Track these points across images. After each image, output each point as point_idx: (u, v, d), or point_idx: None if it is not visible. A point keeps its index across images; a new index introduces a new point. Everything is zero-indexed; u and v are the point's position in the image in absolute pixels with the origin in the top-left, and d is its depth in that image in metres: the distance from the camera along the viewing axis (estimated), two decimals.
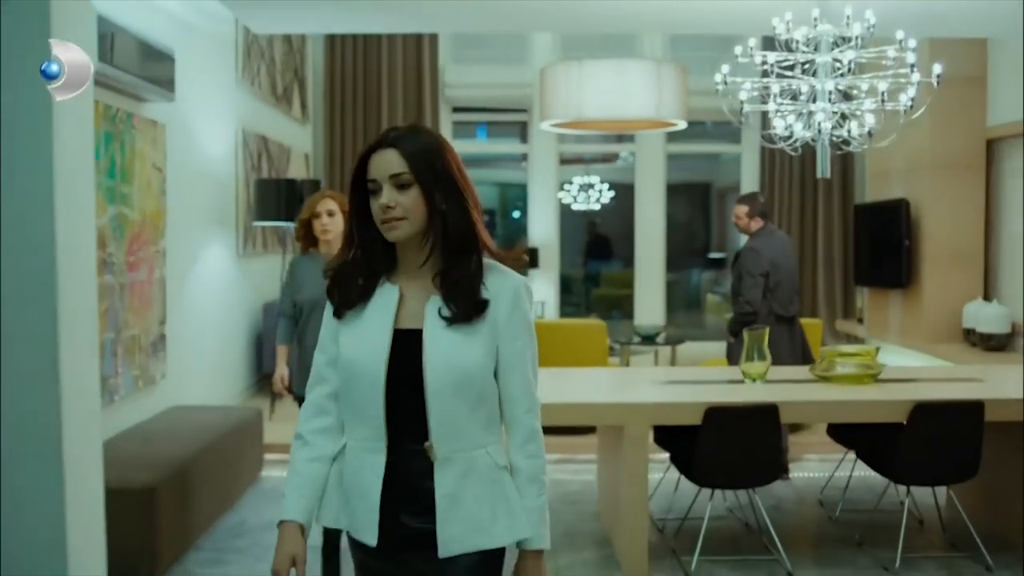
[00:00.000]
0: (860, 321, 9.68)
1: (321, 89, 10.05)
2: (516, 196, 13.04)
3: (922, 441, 4.19)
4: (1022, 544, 4.42)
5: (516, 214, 13.25)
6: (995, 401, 4.21)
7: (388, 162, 1.93)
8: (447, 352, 1.93)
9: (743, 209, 5.89)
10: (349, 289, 2.00)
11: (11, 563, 2.86)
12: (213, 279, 6.85)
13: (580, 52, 9.37)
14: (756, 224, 5.86)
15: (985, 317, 7.71)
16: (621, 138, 11.47)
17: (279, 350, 4.32)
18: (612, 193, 12.49)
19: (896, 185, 8.67)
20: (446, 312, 1.94)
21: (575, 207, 12.29)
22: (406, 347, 1.95)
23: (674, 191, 12.00)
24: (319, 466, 2.03)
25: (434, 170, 1.94)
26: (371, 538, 1.97)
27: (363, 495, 1.97)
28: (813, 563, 4.45)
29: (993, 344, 7.59)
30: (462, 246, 1.96)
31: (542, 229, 10.72)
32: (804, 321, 6.42)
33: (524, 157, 11.07)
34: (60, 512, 2.86)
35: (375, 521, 1.96)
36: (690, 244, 14.06)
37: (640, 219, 10.73)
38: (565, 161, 11.61)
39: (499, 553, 2.00)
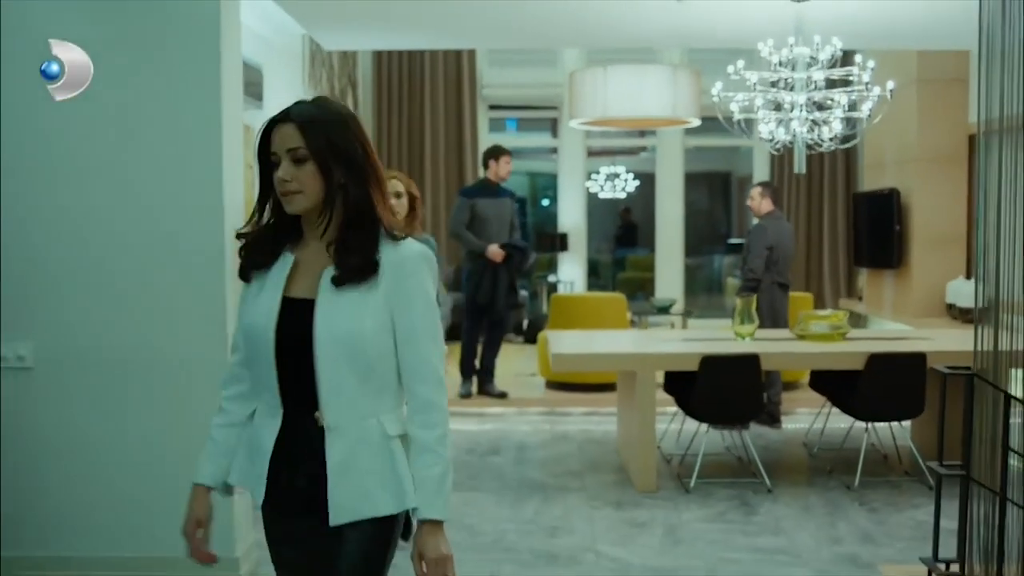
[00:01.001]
0: (860, 299, 10.67)
1: (370, 89, 11.13)
2: (546, 185, 14.06)
3: (876, 385, 5.22)
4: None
5: (545, 202, 14.28)
6: (936, 352, 5.23)
7: (286, 136, 1.97)
8: (336, 321, 1.96)
9: (757, 190, 6.97)
10: (255, 254, 2.08)
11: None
12: None
13: (604, 56, 10.35)
14: (766, 206, 6.90)
15: (965, 293, 8.68)
16: (643, 132, 12.45)
17: None
18: (637, 182, 13.50)
19: (888, 176, 9.64)
20: (336, 275, 1.98)
21: (602, 195, 13.31)
22: (297, 316, 1.99)
23: (697, 180, 12.96)
24: (230, 431, 2.14)
25: (331, 145, 1.97)
26: (259, 497, 2.06)
27: (259, 456, 2.05)
28: (790, 484, 5.50)
29: (971, 317, 8.54)
30: (359, 220, 1.99)
31: (571, 216, 11.74)
32: (797, 295, 7.44)
33: (554, 150, 12.10)
34: None
35: (263, 481, 2.04)
36: (712, 230, 15.01)
37: (660, 207, 11.71)
38: (592, 153, 12.64)
39: (387, 523, 2.03)
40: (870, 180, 10.26)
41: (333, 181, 1.98)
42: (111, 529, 3.98)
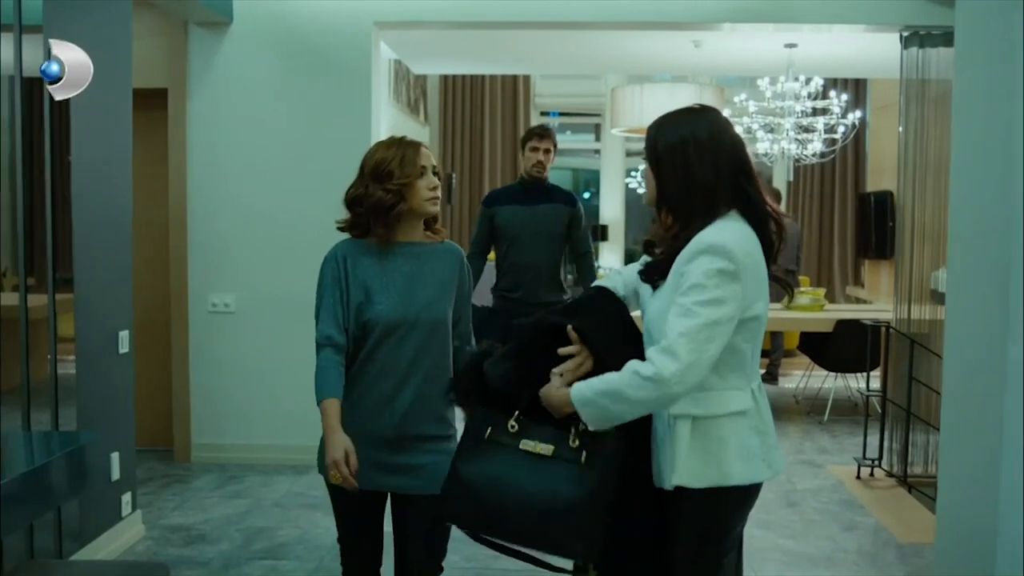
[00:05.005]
0: (863, 286, 12.21)
1: (437, 97, 12.83)
2: (588, 179, 15.77)
3: (840, 343, 6.83)
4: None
5: (587, 195, 15.96)
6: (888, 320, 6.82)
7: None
8: None
9: None
10: None
11: None
12: None
13: (642, 71, 11.97)
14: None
15: (943, 281, 10.21)
16: None
17: None
18: None
19: (886, 179, 11.17)
20: None
21: (640, 191, 14.92)
22: None
23: None
24: None
25: None
26: None
27: None
28: (775, 421, 7.09)
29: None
30: None
31: (611, 210, 13.37)
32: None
33: (597, 152, 13.73)
34: None
35: None
36: None
37: None
38: (631, 154, 14.25)
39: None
40: (873, 183, 11.79)
41: None
42: (276, 423, 5.70)
